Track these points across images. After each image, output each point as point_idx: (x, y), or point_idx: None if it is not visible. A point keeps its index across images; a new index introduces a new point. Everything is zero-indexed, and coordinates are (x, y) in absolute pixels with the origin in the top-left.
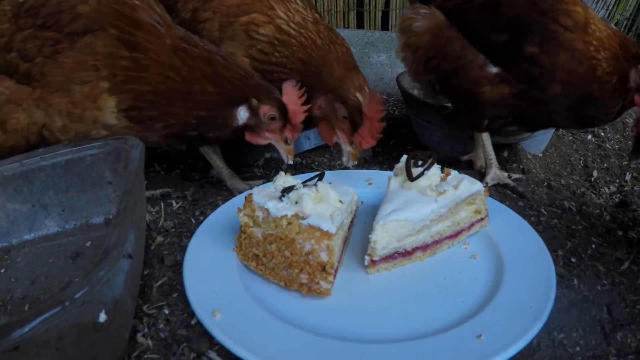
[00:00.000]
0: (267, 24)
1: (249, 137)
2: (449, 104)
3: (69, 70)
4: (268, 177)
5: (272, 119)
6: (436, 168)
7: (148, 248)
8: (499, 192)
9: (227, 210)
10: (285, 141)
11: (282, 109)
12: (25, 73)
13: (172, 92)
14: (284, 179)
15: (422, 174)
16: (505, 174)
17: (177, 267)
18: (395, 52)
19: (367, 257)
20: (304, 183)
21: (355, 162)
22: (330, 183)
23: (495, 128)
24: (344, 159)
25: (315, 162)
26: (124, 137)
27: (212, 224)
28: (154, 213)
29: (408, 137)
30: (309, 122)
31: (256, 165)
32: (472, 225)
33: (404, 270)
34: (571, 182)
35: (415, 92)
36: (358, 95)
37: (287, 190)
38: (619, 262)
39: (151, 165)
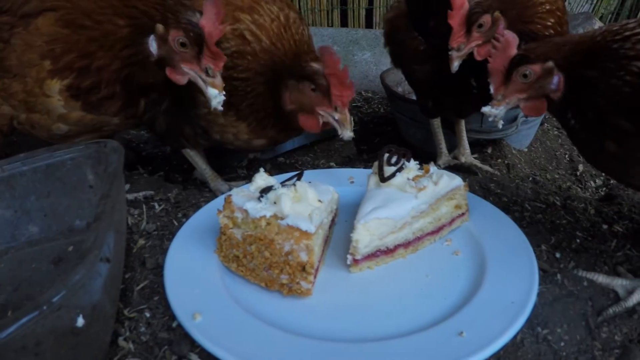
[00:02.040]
0: (230, 39)
1: (168, 72)
2: None
3: (21, 52)
4: (251, 178)
5: (183, 45)
6: (413, 164)
7: (130, 251)
8: (482, 187)
9: (209, 212)
10: (206, 72)
11: (196, 33)
12: None
13: (90, 42)
14: (262, 179)
15: (393, 174)
16: (454, 160)
17: (159, 270)
18: (378, 49)
19: (349, 256)
20: (283, 183)
21: (350, 129)
22: (309, 182)
23: (442, 110)
24: (340, 131)
25: (298, 162)
26: (103, 140)
27: (193, 225)
28: (136, 216)
29: (393, 135)
30: (294, 127)
31: (239, 166)
32: (453, 220)
33: (386, 268)
34: (557, 176)
35: (399, 89)
36: (313, 64)
37: (265, 190)
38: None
39: (135, 168)
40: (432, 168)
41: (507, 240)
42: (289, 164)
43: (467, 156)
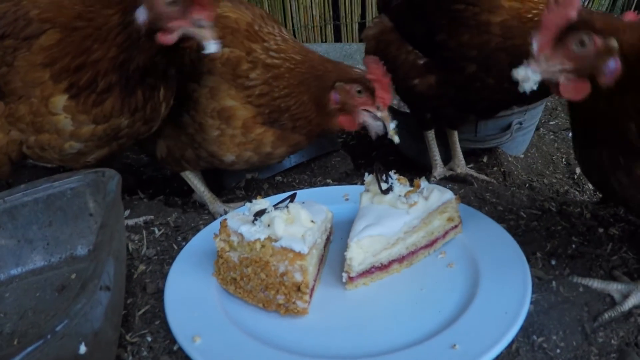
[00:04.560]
0: (253, 69)
1: (160, 37)
2: None
3: (24, 73)
4: (250, 199)
5: (170, 3)
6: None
7: (130, 277)
8: (477, 197)
9: (207, 235)
10: (200, 26)
11: None
12: None
13: (85, 39)
14: (257, 203)
15: (391, 187)
16: (449, 171)
17: (159, 295)
18: None
19: (344, 274)
20: (276, 205)
21: (393, 122)
22: (303, 203)
23: (439, 122)
24: (386, 128)
25: (296, 180)
26: (101, 169)
27: (192, 249)
28: (136, 241)
29: (390, 148)
30: (322, 130)
31: (237, 187)
32: (446, 233)
33: (382, 283)
34: (554, 180)
35: (394, 102)
36: (355, 69)
37: (259, 213)
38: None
39: (135, 192)
40: (423, 183)
41: (500, 250)
42: (287, 183)
43: (462, 167)
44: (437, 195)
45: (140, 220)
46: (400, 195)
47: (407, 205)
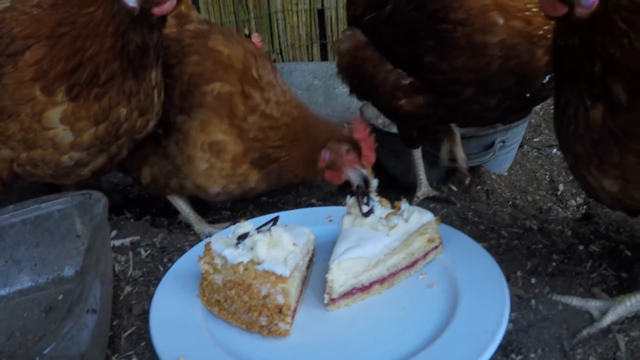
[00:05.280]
0: (251, 114)
1: (157, 10)
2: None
3: (12, 90)
4: (235, 219)
5: None
6: (378, 205)
7: (117, 299)
8: (459, 217)
9: (193, 257)
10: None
11: None
12: None
13: (75, 41)
14: (241, 226)
15: (372, 210)
16: (433, 191)
17: (145, 316)
18: None
19: (326, 296)
20: (259, 228)
21: (375, 180)
22: (286, 225)
23: (426, 138)
24: (371, 184)
25: (281, 201)
26: (88, 192)
27: (177, 271)
28: (123, 263)
29: (375, 168)
30: (314, 177)
31: (223, 207)
32: (427, 254)
33: (363, 304)
34: (537, 197)
35: (379, 121)
36: (344, 130)
37: (242, 237)
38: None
39: (122, 212)
40: (404, 205)
41: (480, 270)
42: (272, 204)
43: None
44: (417, 217)
45: (127, 241)
46: (381, 218)
47: (388, 228)
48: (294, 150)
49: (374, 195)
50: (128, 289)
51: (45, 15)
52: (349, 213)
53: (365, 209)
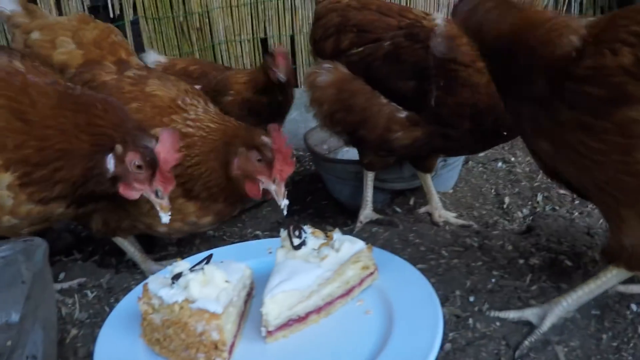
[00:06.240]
0: None
1: (121, 189)
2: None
3: None
4: (182, 254)
5: (139, 167)
6: (311, 237)
7: (63, 342)
8: (401, 239)
9: (136, 297)
10: (156, 194)
11: (151, 158)
12: None
13: (55, 153)
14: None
15: (303, 242)
16: (376, 216)
17: (90, 359)
18: (305, 108)
19: (262, 329)
20: (192, 268)
21: (285, 201)
22: (221, 262)
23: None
24: (278, 201)
25: (227, 234)
26: (31, 238)
27: (122, 311)
28: (70, 305)
29: (323, 193)
30: (240, 198)
31: (170, 243)
32: (362, 281)
33: (301, 334)
34: (484, 212)
35: (325, 147)
36: (263, 137)
37: (176, 277)
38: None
39: (71, 253)
40: (336, 235)
41: (414, 294)
42: (218, 237)
43: (439, 209)
44: (348, 247)
45: (74, 283)
46: (313, 249)
47: (319, 259)
48: (211, 162)
49: (306, 227)
50: (74, 331)
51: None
52: (282, 246)
53: (296, 241)
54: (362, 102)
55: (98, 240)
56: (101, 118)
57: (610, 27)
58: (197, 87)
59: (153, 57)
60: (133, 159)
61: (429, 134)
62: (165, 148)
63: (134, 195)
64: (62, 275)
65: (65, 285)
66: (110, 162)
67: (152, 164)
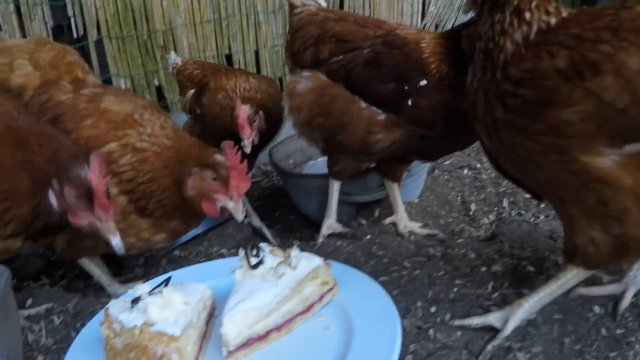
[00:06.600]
0: (124, 155)
1: (71, 219)
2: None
3: None
4: (149, 276)
5: (76, 198)
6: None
7: None
8: (365, 252)
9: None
10: (101, 220)
11: (85, 188)
12: None
13: (2, 192)
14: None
15: (261, 261)
16: (340, 226)
17: None
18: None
19: (223, 349)
20: (151, 291)
21: (242, 214)
22: (181, 283)
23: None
24: (236, 217)
25: (193, 253)
26: None
27: (87, 336)
28: (36, 332)
29: (291, 207)
30: (195, 216)
31: (137, 265)
32: (322, 296)
33: (262, 352)
34: (450, 220)
35: (291, 161)
36: (217, 155)
37: (135, 300)
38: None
39: (39, 278)
40: (294, 252)
41: (374, 308)
42: (184, 257)
43: (405, 220)
44: (305, 264)
45: (42, 308)
46: (271, 267)
47: (276, 277)
48: (164, 179)
49: (264, 246)
50: (40, 358)
51: None
52: (241, 266)
53: (254, 260)
54: (341, 106)
55: (68, 263)
56: (36, 153)
57: (556, 29)
58: None
59: (172, 59)
60: (69, 192)
61: (407, 134)
62: (95, 174)
63: (84, 223)
64: (29, 301)
65: (33, 311)
66: (52, 197)
67: (87, 194)
